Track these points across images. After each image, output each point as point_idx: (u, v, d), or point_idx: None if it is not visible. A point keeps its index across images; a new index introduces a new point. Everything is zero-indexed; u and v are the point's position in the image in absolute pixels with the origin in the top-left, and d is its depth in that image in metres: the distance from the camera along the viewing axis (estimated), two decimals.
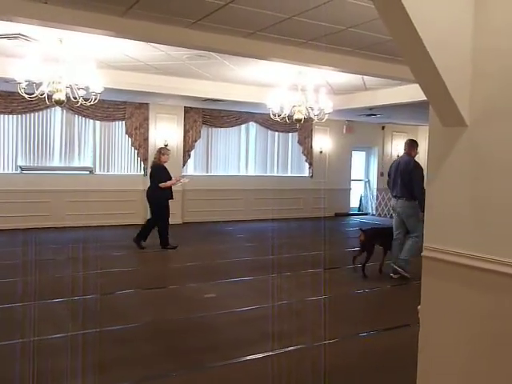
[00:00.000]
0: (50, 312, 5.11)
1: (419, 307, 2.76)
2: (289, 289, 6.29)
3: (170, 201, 8.52)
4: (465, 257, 2.53)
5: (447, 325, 2.61)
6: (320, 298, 5.86)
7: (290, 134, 13.58)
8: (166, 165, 8.64)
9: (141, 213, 11.48)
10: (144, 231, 8.66)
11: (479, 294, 2.49)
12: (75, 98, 6.37)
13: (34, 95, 6.22)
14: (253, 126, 13.16)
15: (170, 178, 8.61)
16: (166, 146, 10.52)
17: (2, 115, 10.10)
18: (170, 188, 8.57)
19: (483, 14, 2.43)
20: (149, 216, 9.13)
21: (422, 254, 2.72)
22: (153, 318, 5.03)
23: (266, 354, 4.13)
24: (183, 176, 10.67)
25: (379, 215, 14.81)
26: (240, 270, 7.33)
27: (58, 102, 6.23)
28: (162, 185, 8.42)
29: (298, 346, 4.33)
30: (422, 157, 15.46)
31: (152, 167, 8.90)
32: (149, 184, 8.71)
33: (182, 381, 3.73)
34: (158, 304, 5.61)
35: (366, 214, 15.15)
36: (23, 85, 5.95)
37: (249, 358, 4.07)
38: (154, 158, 8.84)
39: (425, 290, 2.73)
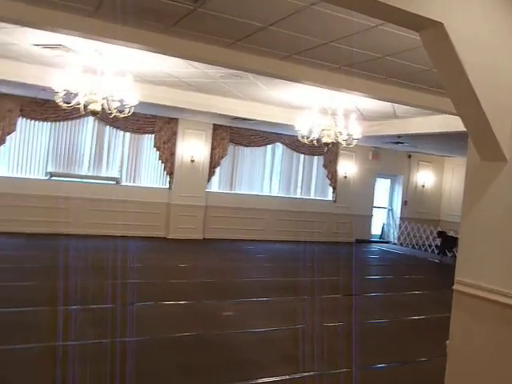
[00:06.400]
0: (70, 318, 5.15)
1: (447, 342, 2.71)
2: (307, 312, 6.23)
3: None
4: (497, 293, 2.49)
5: (476, 361, 2.56)
6: (338, 324, 5.79)
7: (316, 157, 13.59)
8: None
9: (163, 226, 11.59)
10: None
11: (510, 332, 2.43)
12: (110, 110, 6.49)
13: (71, 105, 6.37)
14: (279, 147, 13.22)
15: None
16: None
17: (36, 122, 10.36)
18: None
19: None
20: None
21: (454, 287, 2.69)
22: (169, 332, 5.02)
23: (282, 378, 4.09)
24: None
25: (401, 244, 14.62)
26: (258, 290, 7.29)
27: (93, 113, 6.36)
28: None
29: (313, 373, 4.28)
30: (453, 188, 15.37)
31: None
32: None
33: None
34: (176, 318, 5.60)
35: (387, 243, 14.98)
36: (61, 94, 6.10)
37: (266, 380, 4.04)
38: None
39: (454, 324, 2.69)
